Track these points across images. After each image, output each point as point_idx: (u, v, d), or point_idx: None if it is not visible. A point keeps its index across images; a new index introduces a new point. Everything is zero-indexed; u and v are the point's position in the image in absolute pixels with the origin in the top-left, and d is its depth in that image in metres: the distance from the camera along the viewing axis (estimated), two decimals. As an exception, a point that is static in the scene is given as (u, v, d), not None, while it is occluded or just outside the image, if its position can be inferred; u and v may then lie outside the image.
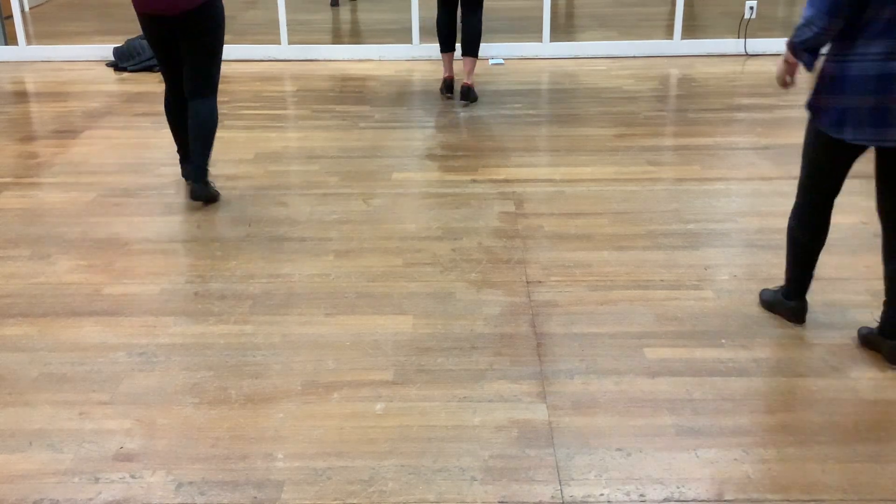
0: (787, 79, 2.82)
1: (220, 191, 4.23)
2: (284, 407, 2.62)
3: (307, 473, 2.35)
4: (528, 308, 3.16)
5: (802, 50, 2.70)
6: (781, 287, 3.08)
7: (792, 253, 3.01)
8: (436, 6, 5.63)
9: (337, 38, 7.87)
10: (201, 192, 4.08)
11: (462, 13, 5.58)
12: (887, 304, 2.83)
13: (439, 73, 6.37)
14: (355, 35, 7.94)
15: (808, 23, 2.62)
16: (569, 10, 8.75)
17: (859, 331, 2.96)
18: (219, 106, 5.64)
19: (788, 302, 3.04)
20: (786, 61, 2.78)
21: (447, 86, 5.76)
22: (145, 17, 3.98)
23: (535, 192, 4.21)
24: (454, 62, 5.80)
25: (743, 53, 6.76)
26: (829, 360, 2.82)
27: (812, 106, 2.75)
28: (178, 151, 4.35)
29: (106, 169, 4.61)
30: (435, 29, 5.71)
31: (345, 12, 8.50)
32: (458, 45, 5.66)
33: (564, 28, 7.92)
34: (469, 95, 5.62)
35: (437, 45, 5.76)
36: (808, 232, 2.92)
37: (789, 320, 3.04)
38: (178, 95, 4.18)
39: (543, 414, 2.57)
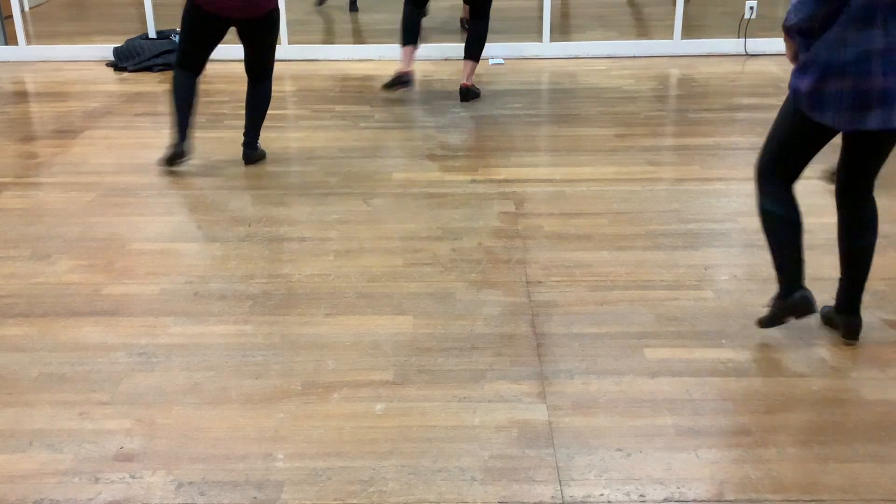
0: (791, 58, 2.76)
1: (220, 190, 4.24)
2: (284, 407, 2.62)
3: (307, 473, 2.35)
4: (528, 308, 3.16)
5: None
6: None
7: None
8: (436, 7, 5.63)
9: (337, 38, 7.87)
10: (251, 155, 4.62)
11: (470, 18, 5.73)
12: (842, 281, 2.91)
13: (440, 73, 6.38)
14: (355, 35, 7.94)
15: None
16: (569, 11, 8.75)
17: (821, 311, 3.00)
18: (219, 106, 5.69)
19: None
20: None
21: (400, 80, 5.63)
22: (207, 15, 4.24)
23: (535, 192, 4.21)
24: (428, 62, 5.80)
25: (743, 53, 6.76)
26: (829, 360, 2.82)
27: None
28: (177, 131, 4.43)
29: (106, 169, 4.61)
30: (433, 29, 5.72)
31: (348, 12, 8.49)
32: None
33: (564, 28, 7.91)
34: (469, 95, 5.64)
35: (437, 45, 5.76)
36: None
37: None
38: (193, 78, 4.45)
39: (543, 414, 2.57)
